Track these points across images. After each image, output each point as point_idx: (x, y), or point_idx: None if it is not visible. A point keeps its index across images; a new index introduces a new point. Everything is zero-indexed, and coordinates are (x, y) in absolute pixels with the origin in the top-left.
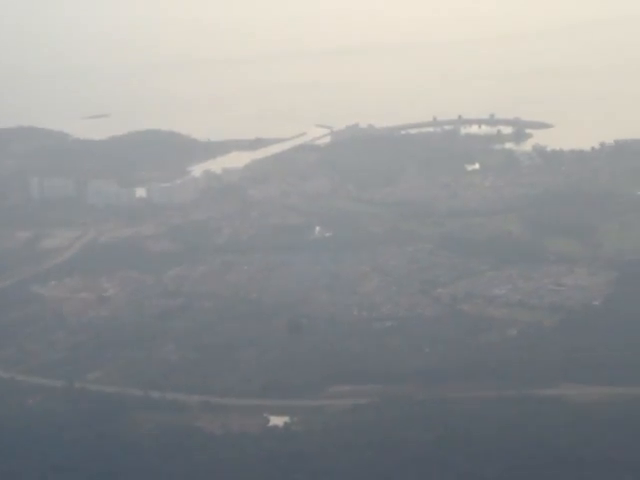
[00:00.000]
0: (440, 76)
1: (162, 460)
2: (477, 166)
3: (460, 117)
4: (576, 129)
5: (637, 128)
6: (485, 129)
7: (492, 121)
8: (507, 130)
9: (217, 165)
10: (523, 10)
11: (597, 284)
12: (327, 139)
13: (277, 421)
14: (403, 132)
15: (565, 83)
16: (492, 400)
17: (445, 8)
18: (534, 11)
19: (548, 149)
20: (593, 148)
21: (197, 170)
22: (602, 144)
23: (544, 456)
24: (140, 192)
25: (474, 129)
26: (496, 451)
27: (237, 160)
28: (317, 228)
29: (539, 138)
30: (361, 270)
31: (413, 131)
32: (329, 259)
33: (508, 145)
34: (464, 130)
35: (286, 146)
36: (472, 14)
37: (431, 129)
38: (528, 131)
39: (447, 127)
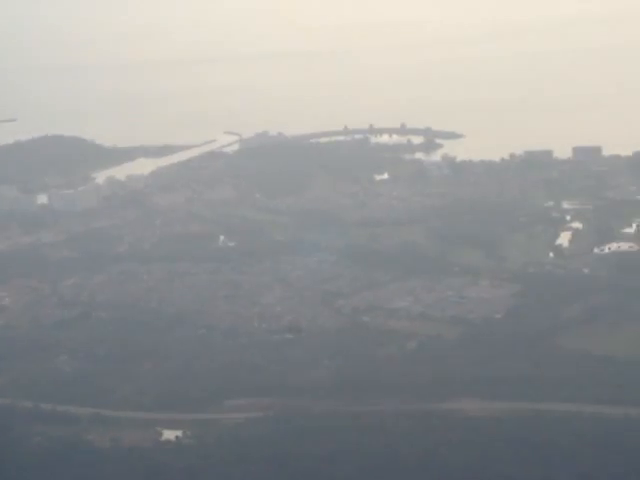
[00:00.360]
0: (353, 84)
1: (48, 474)
2: (386, 176)
3: (371, 126)
4: (487, 139)
5: (547, 139)
6: (396, 138)
7: (403, 130)
8: (418, 140)
9: (123, 172)
10: (434, 18)
11: (500, 297)
12: (236, 146)
13: (170, 435)
14: (313, 140)
15: (478, 92)
16: (389, 414)
17: (357, 16)
18: (444, 20)
19: (458, 160)
20: (503, 159)
21: (101, 177)
22: (512, 155)
23: (439, 471)
24: (42, 199)
25: (385, 138)
26: (389, 466)
27: (143, 167)
28: (221, 237)
29: (449, 148)
30: (263, 280)
31: (323, 140)
32: (231, 269)
33: (418, 155)
34: (375, 139)
35: (194, 153)
36: (386, 22)
37: (342, 138)
38: (439, 141)
39: (358, 136)
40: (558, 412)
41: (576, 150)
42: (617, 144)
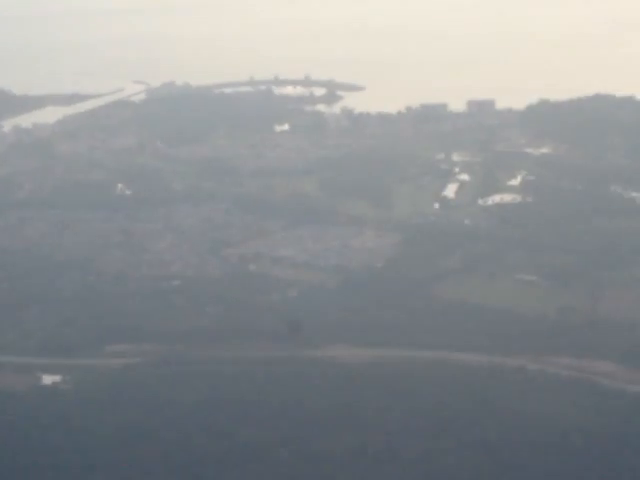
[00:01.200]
0: (260, 36)
1: None
2: (286, 127)
3: (276, 77)
4: (386, 92)
5: (444, 93)
6: (299, 90)
7: (307, 82)
8: (320, 92)
9: (31, 120)
10: None
11: (382, 246)
12: (143, 96)
13: (49, 380)
14: (218, 91)
15: (380, 45)
16: (261, 361)
17: None
18: None
19: (356, 112)
20: (399, 112)
21: (9, 124)
22: (408, 108)
23: (303, 417)
24: None
25: (289, 90)
26: (257, 412)
27: (52, 115)
28: (119, 185)
29: (350, 100)
30: (155, 228)
31: (228, 90)
32: (125, 216)
33: (319, 107)
34: (279, 91)
35: (103, 102)
36: None
37: (247, 89)
38: (340, 93)
39: (262, 87)
40: (427, 359)
41: (470, 103)
42: (510, 98)
